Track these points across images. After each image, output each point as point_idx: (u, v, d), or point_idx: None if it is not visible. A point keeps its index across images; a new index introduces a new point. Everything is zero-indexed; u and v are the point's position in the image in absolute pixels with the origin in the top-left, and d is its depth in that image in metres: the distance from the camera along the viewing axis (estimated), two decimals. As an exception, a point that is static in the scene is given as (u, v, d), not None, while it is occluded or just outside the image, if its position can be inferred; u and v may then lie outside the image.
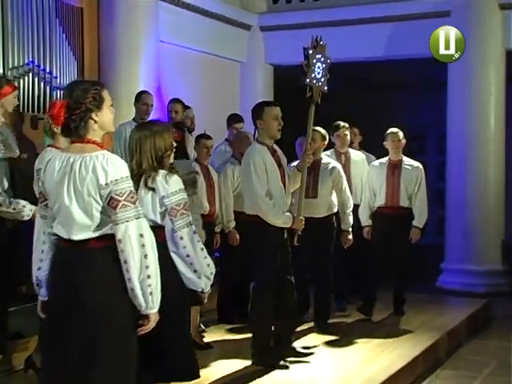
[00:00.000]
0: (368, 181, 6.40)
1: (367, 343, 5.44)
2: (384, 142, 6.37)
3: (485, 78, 8.65)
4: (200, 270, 3.54)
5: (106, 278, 2.75)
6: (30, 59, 6.44)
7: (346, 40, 9.23)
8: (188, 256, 3.51)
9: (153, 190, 3.44)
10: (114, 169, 2.72)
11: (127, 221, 2.71)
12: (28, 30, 6.42)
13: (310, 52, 4.89)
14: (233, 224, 5.79)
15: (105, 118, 2.83)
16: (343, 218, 5.83)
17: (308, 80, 4.87)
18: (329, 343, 5.20)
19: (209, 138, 5.75)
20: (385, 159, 6.40)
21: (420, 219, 6.26)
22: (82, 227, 2.74)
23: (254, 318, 4.77)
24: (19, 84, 6.26)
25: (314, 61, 4.92)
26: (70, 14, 7.08)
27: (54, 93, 6.72)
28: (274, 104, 4.85)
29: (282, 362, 4.69)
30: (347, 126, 6.56)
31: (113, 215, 2.72)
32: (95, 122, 2.80)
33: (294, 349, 4.94)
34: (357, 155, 6.73)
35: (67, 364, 2.74)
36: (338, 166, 5.88)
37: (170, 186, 3.46)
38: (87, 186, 2.71)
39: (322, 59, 4.99)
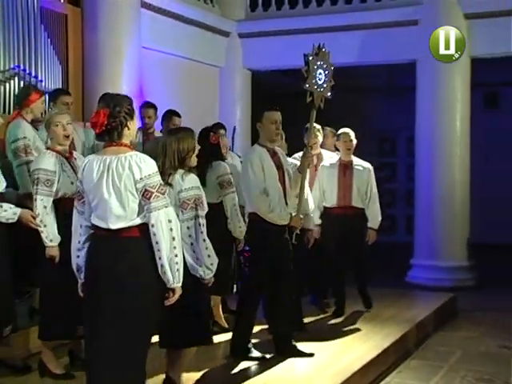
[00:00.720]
0: (318, 181, 6.12)
1: (341, 335, 5.48)
2: (336, 142, 6.22)
3: (451, 84, 8.77)
4: (201, 259, 3.76)
5: (138, 263, 3.09)
6: (16, 63, 6.37)
7: (320, 47, 9.30)
8: (192, 244, 3.74)
9: (170, 185, 3.70)
10: (146, 166, 3.10)
11: (159, 209, 3.08)
12: (14, 36, 6.35)
13: (310, 58, 4.83)
14: None
15: (134, 127, 3.25)
16: (305, 219, 5.39)
17: (308, 85, 4.81)
18: (304, 336, 5.21)
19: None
20: (335, 160, 6.20)
21: (375, 221, 6.08)
22: (118, 217, 3.09)
23: (239, 315, 4.74)
24: (5, 88, 6.23)
25: (315, 67, 4.84)
26: (54, 21, 7.07)
27: (40, 96, 6.71)
28: (273, 109, 4.79)
29: (259, 355, 4.70)
30: (318, 127, 6.24)
31: (147, 204, 3.08)
32: (128, 128, 3.19)
33: (295, 347, 4.84)
34: (329, 156, 6.49)
35: (101, 330, 3.09)
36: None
37: (185, 182, 3.75)
38: (124, 181, 3.07)
39: (325, 66, 4.92)
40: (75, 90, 7.04)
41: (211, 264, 3.80)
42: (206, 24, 9.33)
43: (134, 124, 3.25)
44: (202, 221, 3.78)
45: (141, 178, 3.07)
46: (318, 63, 4.89)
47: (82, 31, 7.31)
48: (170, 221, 3.11)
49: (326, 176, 6.10)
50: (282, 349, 4.79)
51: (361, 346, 5.18)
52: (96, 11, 7.20)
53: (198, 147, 3.90)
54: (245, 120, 9.83)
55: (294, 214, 4.75)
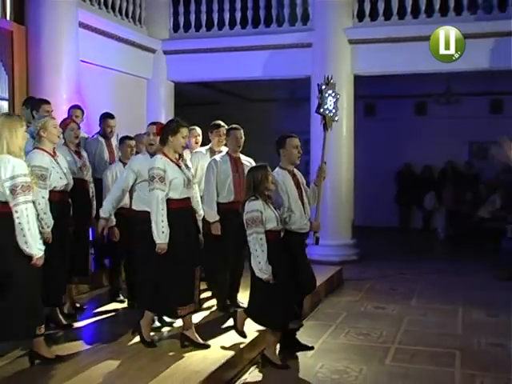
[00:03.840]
0: (214, 176, 5.28)
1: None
2: (226, 138, 5.48)
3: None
4: (254, 265, 4.27)
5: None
6: (-33, 74, 6.16)
7: (231, 63, 9.41)
8: (251, 253, 4.23)
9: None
10: (154, 162, 4.19)
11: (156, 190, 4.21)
12: (-36, 50, 6.13)
13: (323, 87, 4.82)
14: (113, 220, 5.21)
15: (176, 141, 4.26)
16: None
17: (322, 110, 4.82)
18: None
19: (132, 138, 5.48)
20: (224, 155, 5.45)
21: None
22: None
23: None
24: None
25: (326, 95, 4.84)
26: (1, 37, 6.81)
27: (-12, 103, 6.49)
28: (294, 136, 4.74)
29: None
30: (227, 127, 5.57)
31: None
32: (171, 141, 4.24)
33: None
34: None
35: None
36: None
37: (247, 207, 4.23)
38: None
39: (333, 94, 4.90)
40: (20, 98, 6.82)
41: (260, 265, 4.14)
42: (136, 42, 9.24)
43: (177, 139, 4.21)
44: (258, 236, 4.15)
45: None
46: (329, 92, 4.87)
47: (26, 46, 7.06)
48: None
49: (223, 170, 5.32)
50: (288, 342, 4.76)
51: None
52: (39, 29, 6.99)
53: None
54: (169, 124, 9.81)
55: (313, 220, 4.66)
